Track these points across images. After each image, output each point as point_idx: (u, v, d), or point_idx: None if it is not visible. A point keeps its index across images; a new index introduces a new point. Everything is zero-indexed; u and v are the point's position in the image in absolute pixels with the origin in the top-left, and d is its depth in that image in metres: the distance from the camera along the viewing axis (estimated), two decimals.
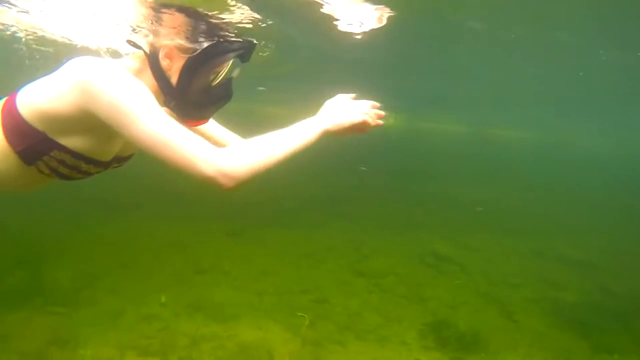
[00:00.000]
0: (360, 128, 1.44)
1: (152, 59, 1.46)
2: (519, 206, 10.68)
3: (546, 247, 7.27)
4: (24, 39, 6.45)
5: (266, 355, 3.59)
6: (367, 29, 6.19)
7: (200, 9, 2.49)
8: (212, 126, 1.78)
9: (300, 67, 11.17)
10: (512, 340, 4.26)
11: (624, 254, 7.21)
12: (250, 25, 4.08)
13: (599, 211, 10.74)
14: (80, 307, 4.15)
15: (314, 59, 9.86)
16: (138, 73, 1.46)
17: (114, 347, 3.47)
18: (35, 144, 1.29)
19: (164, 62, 1.45)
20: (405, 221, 8.31)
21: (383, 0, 4.94)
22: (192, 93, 1.47)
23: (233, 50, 1.52)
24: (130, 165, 1.70)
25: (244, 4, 3.47)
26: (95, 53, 6.55)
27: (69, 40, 6.33)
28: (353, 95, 1.48)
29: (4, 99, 1.38)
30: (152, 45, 1.48)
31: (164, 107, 1.41)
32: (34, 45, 7.18)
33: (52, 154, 1.31)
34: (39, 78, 1.36)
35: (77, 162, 1.35)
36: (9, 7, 4.82)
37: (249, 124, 3.16)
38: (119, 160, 1.53)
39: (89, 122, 1.27)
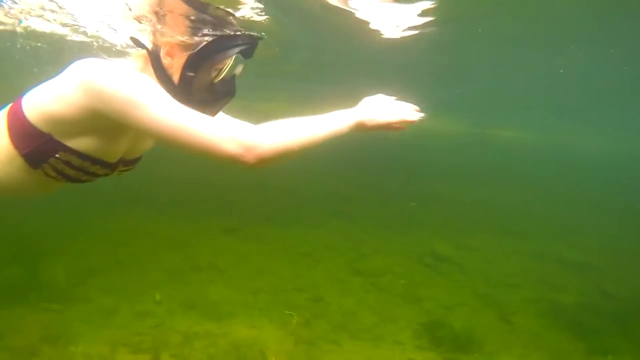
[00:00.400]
0: (394, 127, 1.42)
1: (154, 57, 1.45)
2: (519, 207, 10.63)
3: (546, 248, 7.23)
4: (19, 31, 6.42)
5: (258, 353, 3.57)
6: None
7: (205, 2, 2.48)
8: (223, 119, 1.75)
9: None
10: (507, 341, 4.24)
11: (623, 256, 7.16)
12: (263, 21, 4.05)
13: (600, 212, 10.68)
14: (74, 304, 4.15)
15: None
16: (140, 72, 1.44)
17: (105, 344, 3.46)
18: (40, 145, 1.28)
19: (166, 60, 1.44)
20: (406, 221, 8.29)
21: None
22: (195, 91, 1.45)
23: (234, 47, 1.50)
24: None
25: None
26: (89, 47, 6.55)
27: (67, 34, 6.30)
28: (394, 97, 1.47)
29: (10, 105, 1.38)
30: (153, 43, 1.48)
31: None
32: (21, 39, 7.17)
33: (57, 155, 1.30)
34: (44, 82, 1.35)
35: (83, 163, 1.34)
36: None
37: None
38: (126, 163, 1.52)
39: (96, 122, 1.26)
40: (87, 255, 5.31)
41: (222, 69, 1.51)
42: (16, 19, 5.37)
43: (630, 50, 7.41)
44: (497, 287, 5.55)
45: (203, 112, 1.51)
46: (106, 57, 1.44)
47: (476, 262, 6.30)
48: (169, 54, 1.44)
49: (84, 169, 1.36)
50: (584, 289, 5.70)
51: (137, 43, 1.51)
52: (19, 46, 7.56)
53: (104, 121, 1.25)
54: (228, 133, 1.19)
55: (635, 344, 4.34)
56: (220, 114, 1.71)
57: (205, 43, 1.45)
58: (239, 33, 1.54)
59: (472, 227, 8.15)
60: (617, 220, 9.91)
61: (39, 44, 7.91)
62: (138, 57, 1.49)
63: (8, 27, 6.14)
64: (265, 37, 1.74)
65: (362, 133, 1.43)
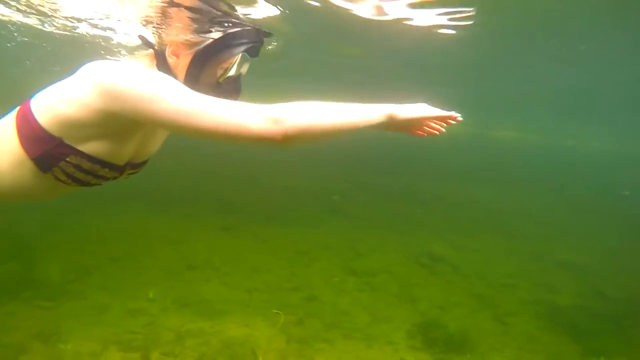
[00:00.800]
0: (424, 127, 1.39)
1: (159, 56, 1.45)
2: (517, 208, 10.59)
3: (543, 249, 7.19)
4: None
5: (250, 352, 3.56)
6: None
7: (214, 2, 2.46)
8: None
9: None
10: (501, 343, 4.22)
11: (620, 258, 7.12)
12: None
13: (597, 214, 10.63)
14: (67, 301, 4.15)
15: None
16: None
17: (96, 341, 3.46)
18: (51, 149, 1.27)
19: (171, 60, 1.43)
20: (404, 221, 8.26)
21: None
22: (200, 90, 1.42)
23: (240, 45, 1.49)
24: None
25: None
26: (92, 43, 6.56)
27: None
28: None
29: (18, 107, 1.37)
30: (158, 42, 1.47)
31: None
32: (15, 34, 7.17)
33: (68, 159, 1.29)
34: (52, 84, 1.34)
35: (94, 166, 1.33)
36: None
37: None
38: (133, 166, 1.50)
39: (110, 124, 1.25)
40: (82, 252, 5.31)
41: (227, 68, 1.49)
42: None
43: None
44: (493, 288, 5.52)
45: None
46: (110, 57, 1.44)
47: (473, 262, 6.28)
48: (175, 53, 1.44)
49: (93, 172, 1.35)
50: (581, 291, 5.67)
51: (144, 41, 1.51)
52: (14, 44, 7.57)
53: (118, 123, 1.24)
54: (252, 110, 1.15)
55: (631, 346, 4.32)
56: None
57: (210, 42, 1.44)
58: (244, 30, 1.53)
59: (469, 227, 8.12)
60: (614, 222, 9.87)
61: (36, 41, 7.92)
62: (143, 57, 1.48)
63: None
64: (272, 35, 1.73)
65: (383, 132, 1.39)
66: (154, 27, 3.04)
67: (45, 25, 6.24)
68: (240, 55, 1.50)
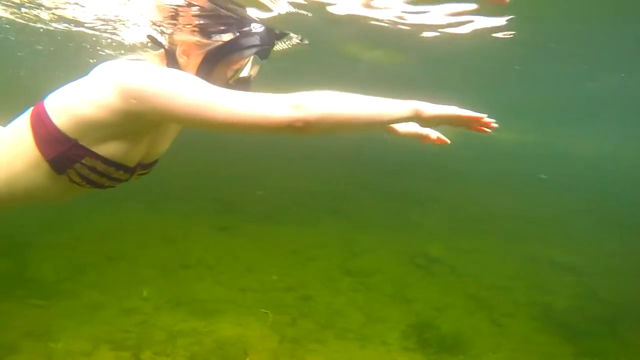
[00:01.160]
0: (458, 120, 1.33)
1: (169, 56, 1.44)
2: (516, 210, 10.56)
3: (540, 251, 7.17)
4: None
5: (242, 352, 3.55)
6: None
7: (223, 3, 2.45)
8: None
9: None
10: (495, 344, 4.20)
11: (616, 260, 7.11)
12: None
13: (596, 217, 10.60)
14: (60, 300, 4.14)
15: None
16: None
17: (88, 340, 3.45)
18: (66, 151, 1.26)
19: (181, 59, 1.43)
20: (401, 221, 8.25)
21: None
22: None
23: (251, 47, 1.48)
24: None
25: None
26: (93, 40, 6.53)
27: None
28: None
29: (32, 108, 1.36)
30: (169, 42, 1.48)
31: None
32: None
33: (83, 161, 1.28)
34: (65, 84, 1.33)
35: (108, 168, 1.32)
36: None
37: None
38: (144, 166, 1.50)
39: (128, 125, 1.24)
40: (76, 250, 5.31)
41: (238, 69, 1.49)
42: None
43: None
44: (489, 289, 5.51)
45: None
46: (121, 56, 1.43)
47: (469, 264, 6.26)
48: (185, 53, 1.43)
49: (107, 175, 1.35)
50: (576, 293, 5.65)
51: (154, 41, 1.51)
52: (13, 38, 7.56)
53: (138, 122, 1.23)
54: (273, 99, 1.15)
55: (625, 349, 4.31)
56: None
57: (222, 42, 1.43)
58: (256, 32, 1.52)
59: (466, 228, 8.11)
60: (611, 225, 9.85)
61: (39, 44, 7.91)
62: (153, 57, 1.48)
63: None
64: (286, 35, 1.74)
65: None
66: (164, 27, 3.04)
67: (38, 25, 6.22)
68: (251, 57, 1.50)
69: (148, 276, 4.84)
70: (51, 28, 6.29)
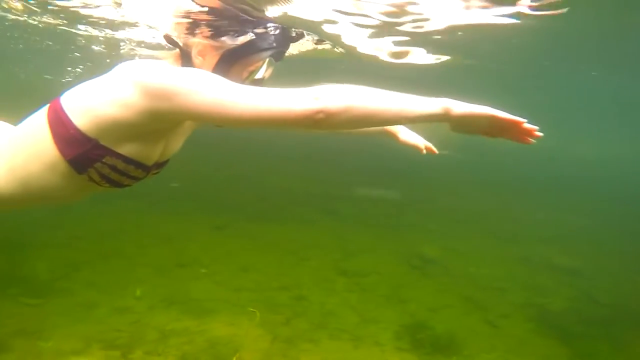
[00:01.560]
0: (499, 132, 1.22)
1: (185, 57, 1.45)
2: (511, 212, 10.54)
3: (536, 253, 7.15)
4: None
5: (234, 351, 3.55)
6: None
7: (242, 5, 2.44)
8: None
9: None
10: (489, 345, 4.19)
11: (612, 262, 7.10)
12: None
13: (591, 219, 10.58)
14: (54, 298, 4.14)
15: None
16: None
17: (79, 339, 3.45)
18: (87, 151, 1.26)
19: (197, 60, 1.43)
20: (397, 222, 8.24)
21: None
22: None
23: (267, 49, 1.49)
24: None
25: None
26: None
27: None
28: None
29: (47, 107, 1.35)
30: (185, 42, 1.47)
31: None
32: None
33: (104, 160, 1.28)
34: (81, 82, 1.32)
35: (128, 166, 1.32)
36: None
37: None
38: (158, 165, 1.51)
39: (151, 123, 1.24)
40: (72, 248, 5.31)
41: (254, 71, 1.49)
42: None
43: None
44: (484, 290, 5.50)
45: None
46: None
47: (464, 265, 6.25)
48: (201, 54, 1.44)
49: (127, 173, 1.35)
50: (571, 295, 5.64)
51: (170, 41, 1.51)
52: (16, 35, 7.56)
53: (161, 121, 1.23)
54: (295, 92, 1.14)
55: (618, 349, 4.31)
56: None
57: (238, 44, 1.44)
58: (273, 34, 1.53)
59: (462, 230, 8.09)
60: (610, 228, 9.80)
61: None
62: (167, 57, 1.48)
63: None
64: (303, 36, 1.75)
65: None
66: (181, 29, 3.04)
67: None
68: (267, 59, 1.50)
69: (143, 275, 4.84)
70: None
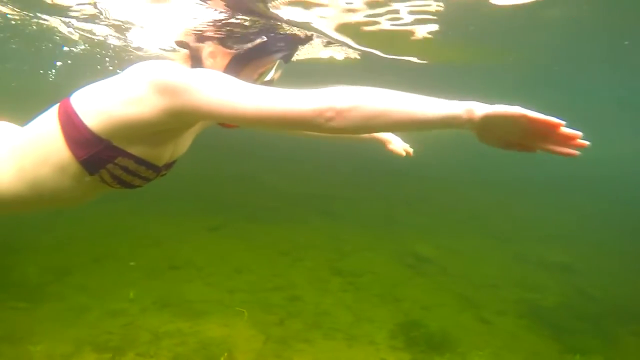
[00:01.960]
0: (533, 140, 1.05)
1: (196, 59, 1.46)
2: (505, 210, 10.60)
3: (529, 251, 7.20)
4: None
5: (226, 352, 3.53)
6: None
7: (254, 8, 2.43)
8: None
9: None
10: (482, 342, 4.21)
11: (603, 258, 7.17)
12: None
13: (584, 216, 10.67)
14: (44, 302, 4.09)
15: None
16: None
17: (70, 342, 3.41)
18: (99, 152, 1.25)
19: (208, 62, 1.45)
20: (390, 221, 8.25)
21: None
22: None
23: (277, 51, 1.50)
24: None
25: None
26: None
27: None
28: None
29: (57, 107, 1.33)
30: (196, 44, 1.48)
31: None
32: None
33: (116, 161, 1.27)
34: (91, 83, 1.31)
35: (139, 167, 1.32)
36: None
37: None
38: (167, 166, 1.50)
39: (166, 123, 1.23)
40: (63, 252, 5.26)
41: (264, 73, 1.51)
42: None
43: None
44: (477, 288, 5.52)
45: None
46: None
47: (458, 263, 6.28)
48: (212, 56, 1.45)
49: (138, 174, 1.35)
50: (563, 291, 5.68)
51: (181, 43, 1.51)
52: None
53: (173, 121, 1.23)
54: (306, 91, 1.13)
55: (608, 345, 4.34)
56: None
57: (250, 46, 1.46)
58: (283, 36, 1.55)
59: (455, 229, 8.12)
60: (603, 225, 9.90)
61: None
62: (180, 57, 1.49)
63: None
64: (312, 38, 1.78)
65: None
66: (192, 29, 3.02)
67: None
68: (278, 61, 1.52)
69: (135, 278, 4.80)
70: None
